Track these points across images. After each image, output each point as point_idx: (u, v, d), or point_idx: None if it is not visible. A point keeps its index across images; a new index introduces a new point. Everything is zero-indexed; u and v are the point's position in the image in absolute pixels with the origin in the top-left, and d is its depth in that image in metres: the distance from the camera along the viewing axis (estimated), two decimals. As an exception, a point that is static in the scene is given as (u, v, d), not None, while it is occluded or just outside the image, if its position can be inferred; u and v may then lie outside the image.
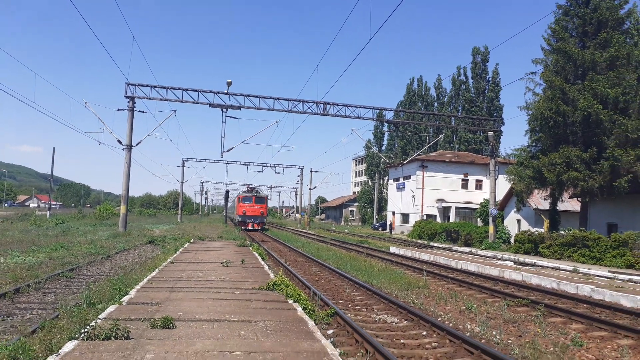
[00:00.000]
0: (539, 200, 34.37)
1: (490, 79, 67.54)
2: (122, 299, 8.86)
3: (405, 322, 9.85)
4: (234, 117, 31.84)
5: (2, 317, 9.10)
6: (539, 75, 28.98)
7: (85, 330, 6.27)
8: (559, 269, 20.77)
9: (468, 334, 8.87)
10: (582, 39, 27.96)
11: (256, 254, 19.23)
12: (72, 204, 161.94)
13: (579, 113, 25.43)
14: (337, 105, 30.76)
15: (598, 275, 18.47)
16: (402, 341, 8.34)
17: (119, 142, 31.07)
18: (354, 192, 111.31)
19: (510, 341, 8.56)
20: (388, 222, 61.22)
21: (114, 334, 6.17)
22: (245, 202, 49.29)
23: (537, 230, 29.95)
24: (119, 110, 30.80)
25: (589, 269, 19.99)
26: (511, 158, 34.37)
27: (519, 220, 37.43)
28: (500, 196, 38.20)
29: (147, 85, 29.31)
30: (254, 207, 48.85)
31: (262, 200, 50.45)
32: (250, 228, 48.24)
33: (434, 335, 8.75)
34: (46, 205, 75.03)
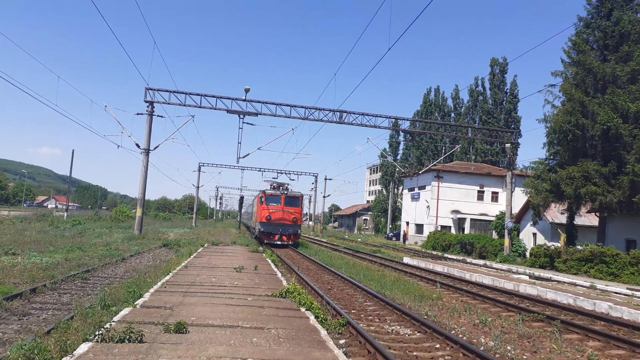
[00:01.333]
0: (556, 214, 33.91)
1: (508, 91, 67.05)
2: (136, 302, 8.92)
3: (418, 334, 9.76)
4: (251, 124, 32.04)
5: (18, 317, 9.22)
6: (558, 87, 28.74)
7: (100, 332, 6.32)
8: (575, 284, 20.43)
9: (482, 348, 8.75)
10: (603, 52, 27.66)
11: (269, 261, 19.24)
12: (89, 206, 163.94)
13: (599, 127, 25.09)
14: (354, 113, 30.78)
15: (616, 292, 18.12)
16: (414, 353, 8.26)
17: (137, 145, 31.43)
18: (368, 201, 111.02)
19: (525, 357, 8.43)
20: (402, 232, 60.88)
21: (127, 337, 6.21)
22: (270, 202, 33.24)
23: (553, 245, 29.52)
24: (138, 114, 31.15)
25: (606, 285, 19.63)
26: (528, 171, 34.04)
27: (534, 234, 36.95)
28: (516, 209, 37.78)
29: (167, 90, 29.65)
30: (283, 210, 33.07)
31: (295, 201, 34.17)
32: (277, 242, 32.59)
33: (447, 348, 8.65)
34: (64, 207, 76.06)
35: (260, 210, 33.75)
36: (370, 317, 11.30)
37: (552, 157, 29.86)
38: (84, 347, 5.87)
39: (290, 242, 33.33)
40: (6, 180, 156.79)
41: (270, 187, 35.34)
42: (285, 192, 34.05)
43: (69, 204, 64.28)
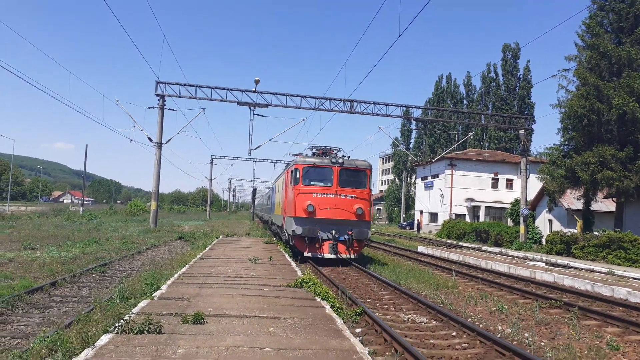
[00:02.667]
0: (572, 200, 33.55)
1: (521, 76, 66.20)
2: (153, 294, 9.02)
3: (435, 322, 9.75)
4: (262, 115, 32.03)
5: (39, 310, 9.38)
6: (572, 72, 28.31)
7: (119, 324, 6.40)
8: (593, 270, 20.25)
9: (499, 335, 8.73)
10: (617, 35, 27.17)
11: (283, 251, 19.32)
12: (104, 200, 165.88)
13: (614, 111, 24.70)
14: (365, 103, 30.65)
15: (635, 278, 17.92)
16: (431, 341, 8.26)
17: (150, 139, 31.65)
18: (381, 191, 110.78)
19: (543, 343, 8.39)
20: (415, 221, 60.72)
21: (146, 328, 6.29)
22: (314, 180, 18.90)
23: (569, 231, 29.25)
24: (149, 108, 31.32)
25: (624, 271, 19.42)
26: (543, 157, 33.65)
27: (550, 221, 36.63)
28: (531, 196, 37.45)
29: (177, 84, 29.75)
30: (338, 195, 18.58)
31: (359, 177, 19.23)
32: (328, 256, 18.38)
33: (464, 336, 8.64)
34: (79, 201, 77.03)
35: (295, 195, 18.47)
36: (386, 306, 11.31)
37: (567, 142, 29.49)
38: (104, 339, 5.96)
39: (351, 256, 18.25)
40: (22, 177, 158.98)
41: (315, 153, 20.09)
42: (342, 162, 18.59)
43: (85, 198, 65.06)
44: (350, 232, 18.11)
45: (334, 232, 18.13)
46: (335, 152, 19.90)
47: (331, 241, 18.15)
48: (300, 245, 18.34)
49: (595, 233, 26.44)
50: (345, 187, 18.46)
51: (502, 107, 64.40)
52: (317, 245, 18.12)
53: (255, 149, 34.04)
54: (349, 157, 19.69)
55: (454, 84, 78.08)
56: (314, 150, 20.52)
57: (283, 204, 22.01)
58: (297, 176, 18.66)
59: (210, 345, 5.95)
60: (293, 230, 18.13)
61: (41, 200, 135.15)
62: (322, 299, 9.44)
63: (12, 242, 21.41)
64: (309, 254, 18.17)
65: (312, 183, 18.52)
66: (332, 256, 18.11)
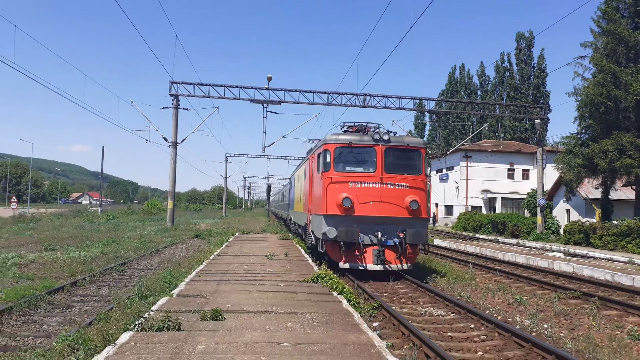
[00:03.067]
0: (590, 189, 33.09)
1: (535, 65, 65.36)
2: (172, 292, 9.12)
3: (452, 315, 9.72)
4: (275, 112, 32.09)
5: (61, 310, 9.55)
6: (588, 59, 27.88)
7: (139, 322, 6.50)
8: (612, 260, 19.98)
9: (517, 326, 8.67)
10: (634, 20, 26.67)
11: (299, 247, 19.39)
12: (122, 200, 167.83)
13: (632, 97, 24.28)
14: (377, 96, 30.52)
15: (655, 267, 17.67)
16: (449, 334, 8.24)
17: (165, 139, 31.93)
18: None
19: (562, 334, 8.31)
20: (431, 214, 60.49)
21: (166, 325, 6.38)
22: (349, 165, 14.09)
23: (587, 221, 28.87)
24: (164, 108, 31.55)
25: (645, 260, 19.14)
26: (559, 146, 33.24)
27: (568, 211, 36.19)
28: (548, 186, 37.02)
29: (190, 83, 29.93)
30: (383, 183, 13.75)
31: (411, 159, 14.35)
32: (372, 267, 13.45)
33: (482, 328, 8.59)
34: (97, 202, 78.07)
35: (324, 186, 14.10)
36: (403, 300, 11.30)
37: (583, 131, 29.10)
38: (125, 337, 6.05)
39: (404, 266, 13.73)
40: (41, 179, 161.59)
41: (349, 129, 15.44)
42: (387, 139, 14.12)
43: (102, 199, 65.91)
44: (402, 234, 13.35)
45: (379, 234, 13.32)
46: (375, 128, 14.64)
47: (376, 247, 13.33)
48: (333, 253, 13.51)
49: (615, 222, 26.07)
50: (394, 173, 13.73)
51: (516, 97, 63.67)
52: (356, 253, 13.36)
53: (268, 146, 34.21)
54: (395, 133, 14.91)
55: (468, 75, 77.34)
56: (346, 128, 15.42)
57: (307, 199, 17.60)
58: (328, 160, 13.94)
59: (229, 341, 6.01)
60: (324, 233, 13.29)
61: (60, 202, 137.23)
62: (338, 294, 9.46)
63: (33, 243, 21.81)
64: (346, 265, 13.33)
65: (347, 169, 13.90)
66: (378, 267, 13.28)
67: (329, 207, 13.60)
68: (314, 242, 15.66)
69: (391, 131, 14.73)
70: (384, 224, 13.47)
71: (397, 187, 13.68)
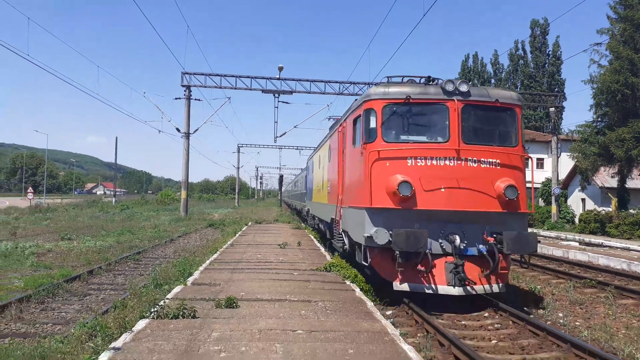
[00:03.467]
0: (606, 178, 32.65)
1: (550, 53, 64.36)
2: (187, 280, 9.21)
3: (466, 303, 9.68)
4: (286, 102, 32.12)
5: (78, 298, 9.71)
6: (604, 46, 27.36)
7: (155, 309, 6.58)
8: (628, 249, 19.75)
9: (532, 315, 8.62)
10: (653, 5, 26.09)
11: (312, 236, 19.43)
12: (135, 191, 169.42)
13: (650, 84, 23.85)
14: (390, 85, 30.29)
15: (672, 256, 17.44)
16: (463, 322, 8.23)
17: (178, 130, 32.10)
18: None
19: (577, 323, 8.27)
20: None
21: (181, 313, 6.44)
22: (409, 134, 9.34)
23: (603, 210, 28.54)
24: (176, 99, 31.69)
25: (662, 249, 18.90)
26: (575, 135, 32.81)
27: (583, 199, 35.78)
28: (563, 174, 36.59)
29: (202, 74, 30.01)
30: (461, 164, 8.92)
31: (503, 123, 9.66)
32: (449, 290, 8.62)
33: (496, 317, 8.56)
34: (111, 193, 78.87)
35: (368, 165, 9.29)
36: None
37: (600, 119, 28.64)
38: (141, 324, 6.13)
39: (493, 288, 8.90)
40: (57, 170, 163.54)
41: (391, 82, 10.19)
42: (466, 91, 9.24)
43: (117, 189, 66.60)
44: (491, 239, 8.89)
45: (457, 239, 8.81)
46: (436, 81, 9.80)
47: (451, 258, 8.80)
48: (384, 268, 9.08)
49: (631, 211, 25.75)
50: (477, 144, 9.15)
51: (531, 85, 62.84)
52: (421, 268, 8.76)
53: (280, 136, 34.24)
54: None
55: (481, 63, 76.38)
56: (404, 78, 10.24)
57: (334, 186, 12.97)
58: (373, 125, 9.38)
59: (243, 328, 6.06)
60: (368, 237, 8.96)
61: (75, 193, 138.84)
62: (351, 282, 9.48)
63: (50, 233, 22.14)
64: (404, 286, 8.85)
65: (404, 138, 9.31)
66: (456, 291, 8.66)
67: (375, 197, 8.97)
68: (347, 247, 11.24)
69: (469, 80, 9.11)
70: (462, 223, 8.94)
71: (482, 166, 9.00)
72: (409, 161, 8.92)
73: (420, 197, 8.77)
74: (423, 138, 9.29)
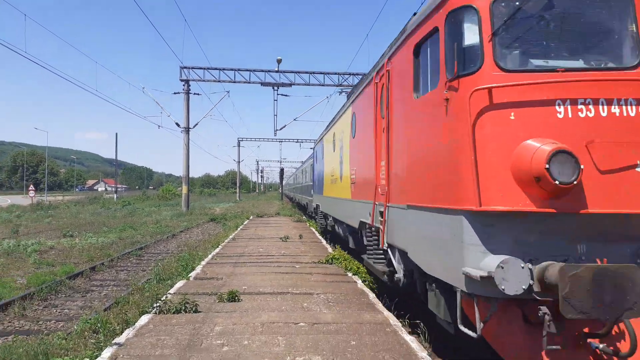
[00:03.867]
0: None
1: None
2: (189, 275, 9.23)
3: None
4: (285, 95, 32.00)
5: (81, 294, 9.74)
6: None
7: (157, 304, 6.60)
8: None
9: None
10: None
11: (313, 229, 19.45)
12: (137, 187, 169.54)
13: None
14: (389, 76, 30.20)
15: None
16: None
17: (177, 125, 32.04)
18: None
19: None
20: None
21: (183, 307, 6.46)
22: (552, 57, 4.54)
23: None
24: (175, 93, 31.66)
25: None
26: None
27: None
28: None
29: (201, 68, 29.91)
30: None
31: None
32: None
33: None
34: (113, 189, 79.00)
35: (454, 118, 4.68)
36: (418, 279, 11.28)
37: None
38: (144, 319, 6.14)
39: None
40: (58, 167, 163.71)
41: None
42: None
43: (118, 186, 66.68)
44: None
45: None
46: None
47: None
48: (511, 342, 4.44)
49: None
50: None
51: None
52: (595, 344, 4.32)
53: (280, 129, 34.18)
54: None
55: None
56: None
57: (370, 170, 8.27)
58: (470, 40, 4.70)
59: (246, 322, 6.08)
60: (483, 277, 4.11)
61: (77, 190, 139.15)
62: (353, 274, 9.49)
63: (51, 230, 22.20)
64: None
65: (538, 62, 4.65)
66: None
67: (489, 189, 4.39)
68: (401, 278, 6.71)
69: None
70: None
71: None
72: (560, 108, 4.39)
73: (593, 187, 4.30)
74: (578, 62, 4.72)
